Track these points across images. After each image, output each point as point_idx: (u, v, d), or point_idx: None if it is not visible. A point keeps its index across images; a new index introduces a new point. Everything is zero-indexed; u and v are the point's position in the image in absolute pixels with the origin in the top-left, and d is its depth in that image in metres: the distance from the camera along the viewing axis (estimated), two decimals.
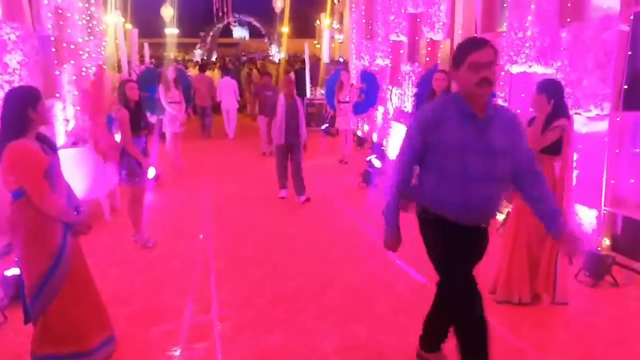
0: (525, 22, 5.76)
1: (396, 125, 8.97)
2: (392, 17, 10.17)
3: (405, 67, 9.51)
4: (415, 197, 2.82)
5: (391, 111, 10.13)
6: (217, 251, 5.21)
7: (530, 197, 2.76)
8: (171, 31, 24.89)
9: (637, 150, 4.66)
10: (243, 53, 35.66)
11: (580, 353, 3.43)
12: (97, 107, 5.46)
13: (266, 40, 39.34)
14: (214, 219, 6.32)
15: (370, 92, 10.26)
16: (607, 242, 4.81)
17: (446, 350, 3.16)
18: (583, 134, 4.95)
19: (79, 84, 7.77)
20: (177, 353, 3.40)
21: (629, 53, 4.54)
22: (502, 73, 6.20)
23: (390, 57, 10.36)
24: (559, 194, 3.80)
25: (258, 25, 39.25)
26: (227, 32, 45.10)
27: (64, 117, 7.22)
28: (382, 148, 9.25)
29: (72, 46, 7.96)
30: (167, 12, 22.12)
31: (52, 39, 7.00)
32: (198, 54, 35.10)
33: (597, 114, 4.85)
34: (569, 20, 5.23)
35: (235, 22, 42.83)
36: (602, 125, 4.81)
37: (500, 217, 6.08)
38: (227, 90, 12.45)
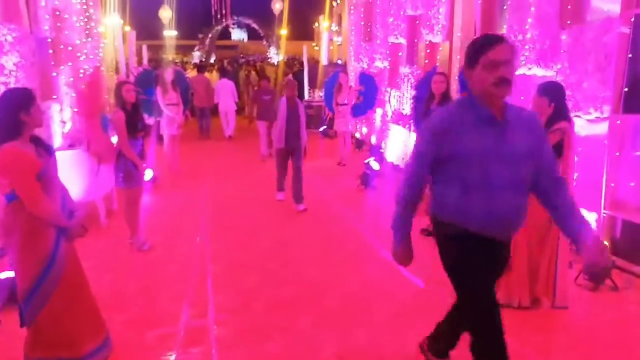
0: (525, 25, 5.73)
1: (395, 128, 8.94)
2: (391, 19, 10.15)
3: (404, 70, 9.48)
4: (432, 210, 2.62)
5: (390, 113, 10.10)
6: (214, 255, 5.16)
7: (553, 207, 2.51)
8: (170, 33, 24.87)
9: (637, 153, 4.63)
10: (241, 55, 35.65)
11: (580, 357, 3.40)
12: (92, 108, 5.40)
13: (265, 42, 39.34)
14: (211, 222, 6.27)
15: (368, 94, 10.23)
16: (606, 245, 4.78)
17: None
18: (583, 136, 4.92)
19: (76, 86, 7.73)
20: (173, 358, 3.36)
21: (630, 55, 4.52)
22: None
23: (389, 59, 10.34)
24: None
25: (256, 27, 39.25)
26: (225, 34, 45.07)
27: (60, 119, 7.18)
28: (381, 150, 9.22)
29: (70, 48, 7.92)
30: (166, 14, 22.09)
31: (49, 40, 6.96)
32: (196, 56, 35.08)
33: (597, 117, 4.82)
34: (569, 22, 5.21)
35: (233, 24, 42.83)
36: (602, 128, 4.78)
37: None
38: (224, 92, 12.48)
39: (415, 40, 9.08)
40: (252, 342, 3.55)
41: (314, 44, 28.91)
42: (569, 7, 5.21)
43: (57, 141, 6.78)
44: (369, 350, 3.48)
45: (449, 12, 7.56)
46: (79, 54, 8.31)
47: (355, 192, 7.73)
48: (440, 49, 7.88)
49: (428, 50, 8.27)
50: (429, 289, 4.37)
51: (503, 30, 6.45)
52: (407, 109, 9.05)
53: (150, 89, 8.56)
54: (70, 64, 7.83)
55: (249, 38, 50.10)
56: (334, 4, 21.75)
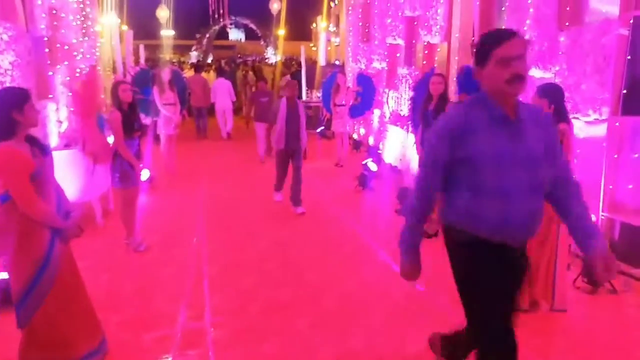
0: (524, 26, 5.72)
1: (392, 129, 8.92)
2: (389, 20, 10.14)
3: (402, 71, 9.47)
4: (443, 217, 2.45)
5: (387, 114, 10.09)
6: (211, 256, 5.13)
7: (566, 213, 2.36)
8: (167, 33, 24.81)
9: (636, 155, 4.62)
10: (239, 55, 35.61)
11: None
12: (88, 108, 5.36)
13: (262, 42, 39.34)
14: (208, 223, 6.24)
15: (366, 95, 10.22)
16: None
17: None
18: (581, 138, 4.91)
19: (72, 85, 7.68)
20: None
21: (628, 57, 4.51)
22: None
23: (387, 60, 10.32)
24: None
25: (254, 27, 39.25)
26: (223, 34, 45.08)
27: (56, 118, 7.13)
28: (378, 151, 9.21)
29: (66, 47, 7.88)
30: (163, 13, 22.04)
31: (46, 39, 6.92)
32: (194, 56, 35.04)
33: (595, 119, 4.81)
34: (567, 24, 5.20)
35: (231, 24, 42.81)
36: (601, 130, 4.77)
37: None
38: (221, 91, 12.51)
39: (413, 41, 9.06)
40: (249, 344, 3.52)
41: (311, 45, 28.93)
42: (568, 8, 5.20)
43: (53, 141, 6.74)
44: (366, 352, 3.45)
45: (447, 13, 7.55)
46: (75, 53, 8.27)
47: (352, 193, 7.71)
48: (439, 50, 7.87)
49: (426, 51, 8.25)
50: (426, 291, 4.35)
51: None
52: (405, 110, 9.04)
53: (147, 89, 8.53)
54: (66, 63, 7.79)
55: (246, 38, 50.08)
56: (332, 4, 21.75)
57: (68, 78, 7.74)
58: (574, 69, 5.03)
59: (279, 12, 22.46)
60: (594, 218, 4.15)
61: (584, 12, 5.07)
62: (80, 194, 5.66)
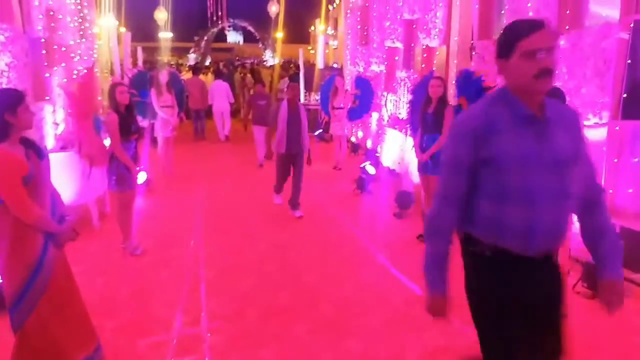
0: None
1: (391, 132, 8.90)
2: (387, 23, 10.12)
3: (401, 74, 9.45)
4: (459, 225, 2.19)
5: (386, 118, 10.07)
6: (208, 260, 5.09)
7: (588, 226, 2.13)
8: (165, 35, 24.79)
9: (636, 159, 4.59)
10: (237, 58, 35.63)
11: None
12: (84, 110, 5.31)
13: (260, 45, 39.35)
14: (205, 226, 6.20)
15: (364, 98, 10.20)
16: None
17: None
18: None
19: (69, 87, 7.63)
20: None
21: (629, 61, 4.48)
22: (499, 80, 6.15)
23: (386, 63, 10.30)
24: None
25: (252, 30, 39.26)
26: (221, 36, 45.09)
27: (53, 120, 7.08)
28: (377, 155, 9.18)
29: (63, 48, 7.83)
30: (161, 15, 22.00)
31: (43, 40, 6.87)
32: (192, 58, 35.03)
33: (595, 123, 4.79)
34: (567, 28, 5.17)
35: (229, 26, 42.82)
36: (601, 134, 4.74)
37: None
38: (219, 93, 12.50)
39: (412, 45, 9.04)
40: (246, 350, 3.48)
41: (309, 48, 28.92)
42: (568, 12, 5.18)
43: (49, 143, 6.69)
44: (365, 358, 3.42)
45: (446, 17, 7.53)
46: (72, 55, 8.21)
47: (351, 196, 7.67)
48: (437, 53, 7.84)
49: (425, 55, 8.23)
50: (424, 296, 4.30)
51: None
52: (403, 113, 9.01)
53: (145, 91, 8.49)
54: (63, 64, 7.74)
55: (244, 41, 50.14)
56: (330, 7, 21.77)
57: (65, 80, 7.69)
58: (574, 73, 5.01)
59: (278, 14, 22.46)
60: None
61: (584, 16, 5.05)
62: (77, 196, 5.62)
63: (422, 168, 5.60)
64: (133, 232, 5.25)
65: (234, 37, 51.34)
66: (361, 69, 11.84)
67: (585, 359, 3.42)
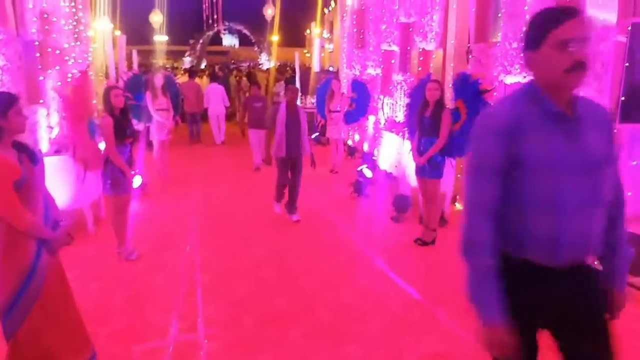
0: (520, 33, 5.68)
1: (387, 135, 8.88)
2: (383, 27, 10.12)
3: (397, 77, 9.44)
4: None
5: (382, 121, 10.05)
6: (204, 264, 5.04)
7: (603, 239, 1.90)
8: (160, 38, 24.73)
9: (634, 162, 4.59)
10: (232, 61, 35.61)
11: None
12: (79, 113, 5.26)
13: (256, 48, 39.39)
14: (201, 230, 6.14)
15: (361, 101, 10.18)
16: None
17: None
18: None
19: (63, 90, 7.58)
20: None
21: (626, 64, 4.48)
22: (496, 83, 6.14)
23: (382, 66, 10.29)
24: None
25: (248, 33, 39.29)
26: (216, 39, 45.08)
27: (47, 124, 7.02)
28: (373, 158, 9.15)
29: (58, 51, 7.77)
30: (157, 18, 21.95)
31: (37, 43, 6.82)
32: (187, 61, 35.00)
33: None
34: None
35: (225, 30, 42.82)
36: None
37: None
38: (214, 97, 12.46)
39: (408, 48, 9.04)
40: (244, 356, 3.43)
41: (305, 51, 28.95)
42: None
43: (43, 147, 6.63)
44: None
45: (442, 20, 7.52)
46: (67, 58, 8.16)
47: (348, 199, 7.64)
48: (434, 56, 7.84)
49: (421, 58, 8.22)
50: (424, 300, 4.28)
51: (498, 38, 6.41)
52: (400, 117, 8.99)
53: (140, 94, 8.43)
54: (58, 67, 7.69)
55: (240, 44, 50.18)
56: (326, 11, 21.80)
57: (59, 83, 7.63)
58: None
59: (273, 18, 22.46)
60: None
61: None
62: (71, 201, 5.56)
63: (420, 171, 5.58)
64: (128, 236, 5.19)
65: (229, 41, 51.35)
66: (357, 72, 11.83)
67: None
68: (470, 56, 6.93)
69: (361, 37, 11.76)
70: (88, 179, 5.29)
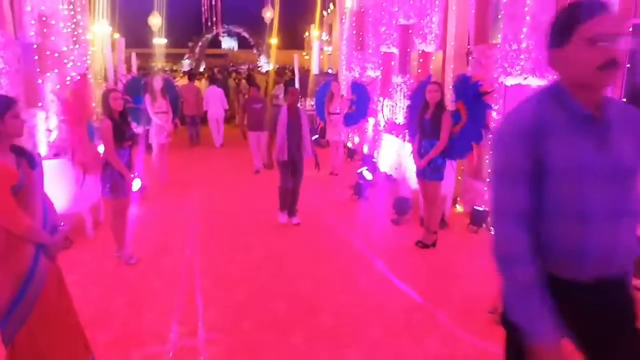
0: (520, 34, 5.67)
1: (387, 137, 8.86)
2: (383, 29, 10.11)
3: (397, 79, 9.42)
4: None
5: (382, 123, 10.03)
6: (203, 269, 5.00)
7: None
8: (159, 41, 24.71)
9: None
10: (232, 64, 35.61)
11: None
12: (78, 116, 5.24)
13: (255, 51, 39.39)
14: (201, 234, 6.11)
15: (361, 103, 10.16)
16: None
17: None
18: None
19: (62, 94, 7.55)
20: None
21: (628, 66, 4.46)
22: (496, 85, 6.12)
23: (381, 68, 10.28)
24: None
25: (247, 36, 39.31)
26: (215, 42, 45.09)
27: (46, 127, 7.00)
28: (373, 160, 9.13)
29: (56, 54, 7.76)
30: (155, 21, 21.93)
31: (35, 46, 6.80)
32: (186, 64, 35.00)
33: None
34: None
35: (224, 32, 42.84)
36: None
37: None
38: (214, 99, 12.46)
39: (408, 50, 9.02)
40: None
41: (304, 53, 28.96)
42: None
43: (42, 150, 6.60)
44: None
45: (442, 22, 7.51)
46: (65, 61, 8.14)
47: (348, 202, 7.61)
48: (433, 58, 7.82)
49: (421, 60, 8.20)
50: (425, 304, 4.25)
51: (497, 39, 6.40)
52: (400, 119, 8.97)
53: (139, 97, 8.40)
54: (56, 70, 7.66)
55: (239, 47, 50.21)
56: (325, 13, 21.80)
57: (58, 86, 7.61)
58: None
59: (272, 20, 22.47)
60: None
61: None
62: (70, 204, 5.53)
63: (420, 174, 5.55)
64: (127, 240, 5.16)
65: (228, 43, 51.37)
66: (357, 75, 11.81)
67: None
68: (470, 58, 6.91)
69: (360, 39, 11.75)
70: (87, 183, 5.26)
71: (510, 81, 5.95)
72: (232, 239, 5.93)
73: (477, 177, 6.88)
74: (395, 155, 8.10)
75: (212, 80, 15.62)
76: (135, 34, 23.77)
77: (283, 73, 20.13)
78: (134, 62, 13.76)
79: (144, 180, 7.62)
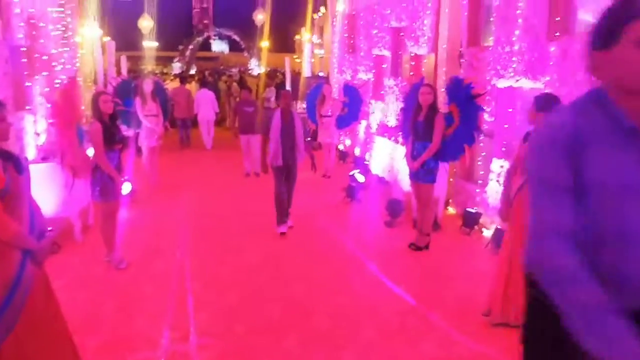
0: (512, 37, 5.68)
1: (380, 140, 8.85)
2: (375, 31, 10.11)
3: (389, 82, 9.42)
4: (529, 271, 1.68)
5: (374, 125, 10.02)
6: (195, 272, 4.94)
7: None
8: (149, 44, 24.61)
9: None
10: (222, 67, 35.53)
11: None
12: (67, 119, 5.17)
13: (246, 54, 39.34)
14: (191, 237, 6.04)
15: (353, 106, 10.14)
16: None
17: None
18: None
19: (51, 96, 7.48)
20: None
21: None
22: (488, 87, 6.12)
23: (373, 71, 10.27)
24: None
25: (238, 39, 39.25)
26: (206, 45, 44.97)
27: (34, 130, 6.92)
28: (365, 162, 9.11)
29: (45, 57, 7.68)
30: (146, 23, 21.82)
31: (24, 49, 6.72)
32: (176, 67, 34.86)
33: None
34: (557, 34, 5.16)
35: (214, 35, 42.74)
36: None
37: (487, 232, 5.96)
38: (204, 102, 12.42)
39: (400, 52, 9.03)
40: None
41: (295, 56, 28.93)
42: (558, 18, 5.16)
43: (30, 154, 6.52)
44: None
45: (434, 24, 7.51)
46: (54, 64, 8.06)
47: (340, 204, 7.58)
48: (425, 61, 7.82)
49: (413, 63, 8.21)
50: (418, 306, 4.22)
51: (490, 42, 6.41)
52: (392, 121, 8.97)
53: (129, 100, 8.33)
54: (45, 73, 7.58)
55: (230, 50, 50.05)
56: (315, 16, 21.80)
57: (47, 89, 7.53)
58: (565, 80, 4.98)
59: (263, 23, 22.44)
60: None
61: (574, 22, 5.04)
62: (59, 208, 5.45)
63: (413, 176, 5.54)
64: (117, 244, 5.09)
65: (219, 46, 51.22)
66: (349, 77, 11.81)
67: None
68: (462, 60, 6.92)
69: (352, 42, 11.75)
70: (76, 186, 5.19)
71: (502, 83, 5.95)
72: (223, 242, 5.87)
73: (469, 179, 6.88)
74: (388, 158, 8.09)
75: (203, 83, 15.57)
76: (125, 37, 23.62)
77: (274, 76, 20.12)
78: (124, 65, 13.68)
79: (134, 183, 7.54)
